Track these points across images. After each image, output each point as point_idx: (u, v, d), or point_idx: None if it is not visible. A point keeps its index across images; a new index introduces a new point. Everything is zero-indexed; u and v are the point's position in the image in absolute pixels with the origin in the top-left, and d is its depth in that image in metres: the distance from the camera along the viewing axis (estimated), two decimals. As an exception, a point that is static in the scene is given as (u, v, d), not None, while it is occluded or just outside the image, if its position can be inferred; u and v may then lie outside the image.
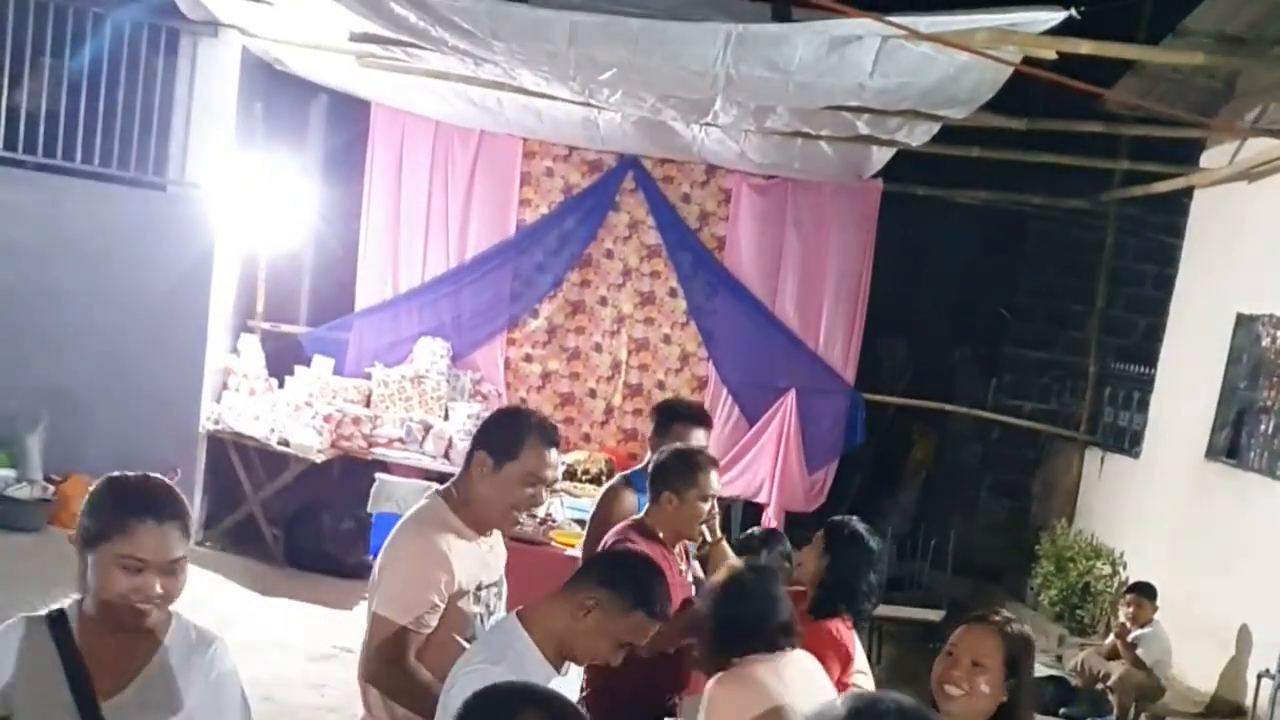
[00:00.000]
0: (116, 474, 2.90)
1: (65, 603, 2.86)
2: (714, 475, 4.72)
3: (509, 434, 3.71)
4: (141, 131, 9.54)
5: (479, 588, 3.71)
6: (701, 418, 5.48)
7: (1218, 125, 9.59)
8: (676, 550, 4.82)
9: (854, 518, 4.93)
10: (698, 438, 5.26)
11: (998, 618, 3.48)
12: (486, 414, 10.49)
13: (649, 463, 5.23)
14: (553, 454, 3.71)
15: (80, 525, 2.82)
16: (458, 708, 2.05)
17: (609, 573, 3.40)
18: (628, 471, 5.66)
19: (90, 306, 9.29)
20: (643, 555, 3.71)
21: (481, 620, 3.71)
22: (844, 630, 4.46)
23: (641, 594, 3.35)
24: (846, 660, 4.37)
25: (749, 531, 5.89)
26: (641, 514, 4.81)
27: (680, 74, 8.02)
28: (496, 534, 3.87)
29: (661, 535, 4.65)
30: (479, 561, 3.74)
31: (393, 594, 3.58)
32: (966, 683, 3.33)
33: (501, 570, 3.90)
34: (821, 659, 4.06)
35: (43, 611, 2.84)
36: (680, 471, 4.66)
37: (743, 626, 3.81)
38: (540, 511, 7.48)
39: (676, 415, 5.43)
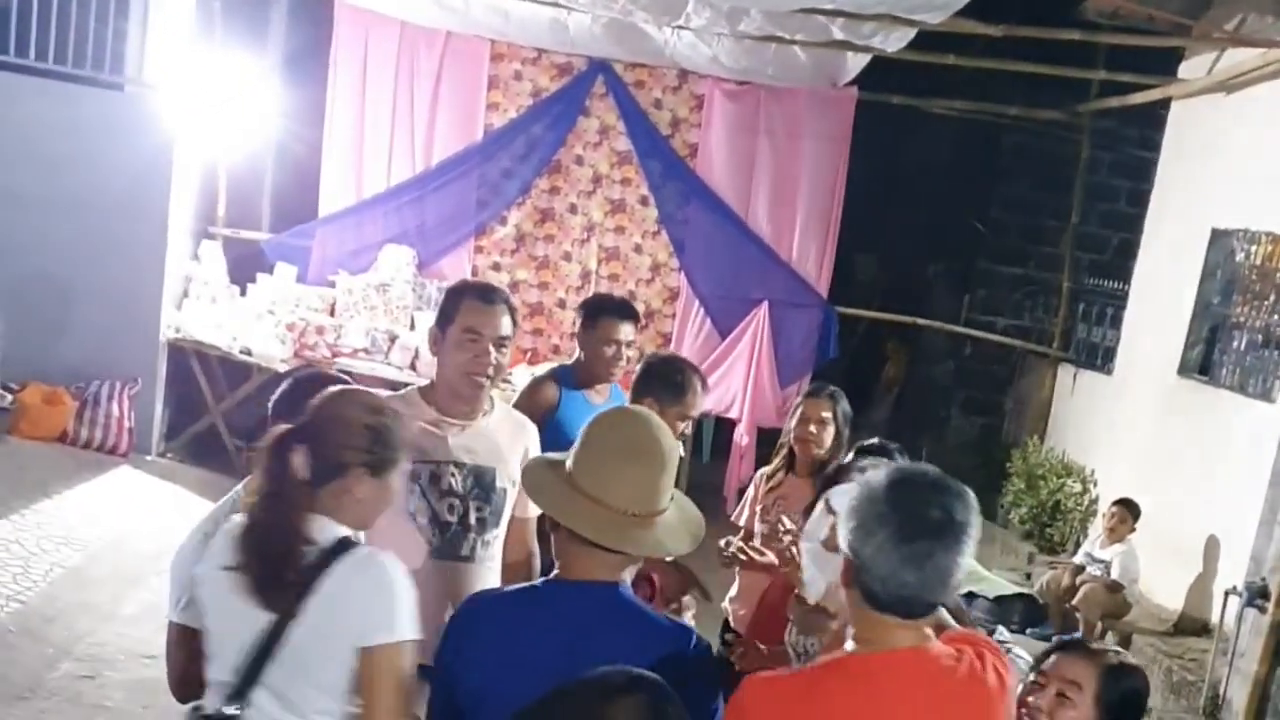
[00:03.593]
0: None
1: None
2: (701, 397, 4.67)
3: (447, 301, 3.90)
4: (98, 29, 9.29)
5: (420, 462, 3.75)
6: (627, 311, 5.34)
7: (1197, 32, 9.46)
8: None
9: None
10: (625, 331, 5.17)
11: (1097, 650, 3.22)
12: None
13: (577, 359, 5.29)
14: (492, 309, 3.84)
15: None
16: None
17: (286, 410, 3.26)
18: (554, 366, 5.65)
19: (47, 210, 9.07)
20: (304, 375, 3.57)
21: (444, 498, 3.83)
22: None
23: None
24: None
25: (817, 383, 5.65)
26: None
27: (651, -28, 7.82)
28: (485, 422, 3.94)
29: None
30: (437, 441, 3.81)
31: None
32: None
33: (483, 453, 3.91)
34: None
35: None
36: (667, 383, 4.61)
37: None
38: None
39: (603, 310, 5.30)
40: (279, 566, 2.75)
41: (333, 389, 3.03)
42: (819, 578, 3.33)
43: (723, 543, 4.86)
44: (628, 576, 2.69)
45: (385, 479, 2.91)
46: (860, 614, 2.53)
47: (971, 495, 2.54)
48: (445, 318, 3.84)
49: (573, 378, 5.18)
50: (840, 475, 3.91)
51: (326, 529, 2.81)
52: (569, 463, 2.75)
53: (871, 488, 2.52)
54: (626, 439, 2.72)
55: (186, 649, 3.05)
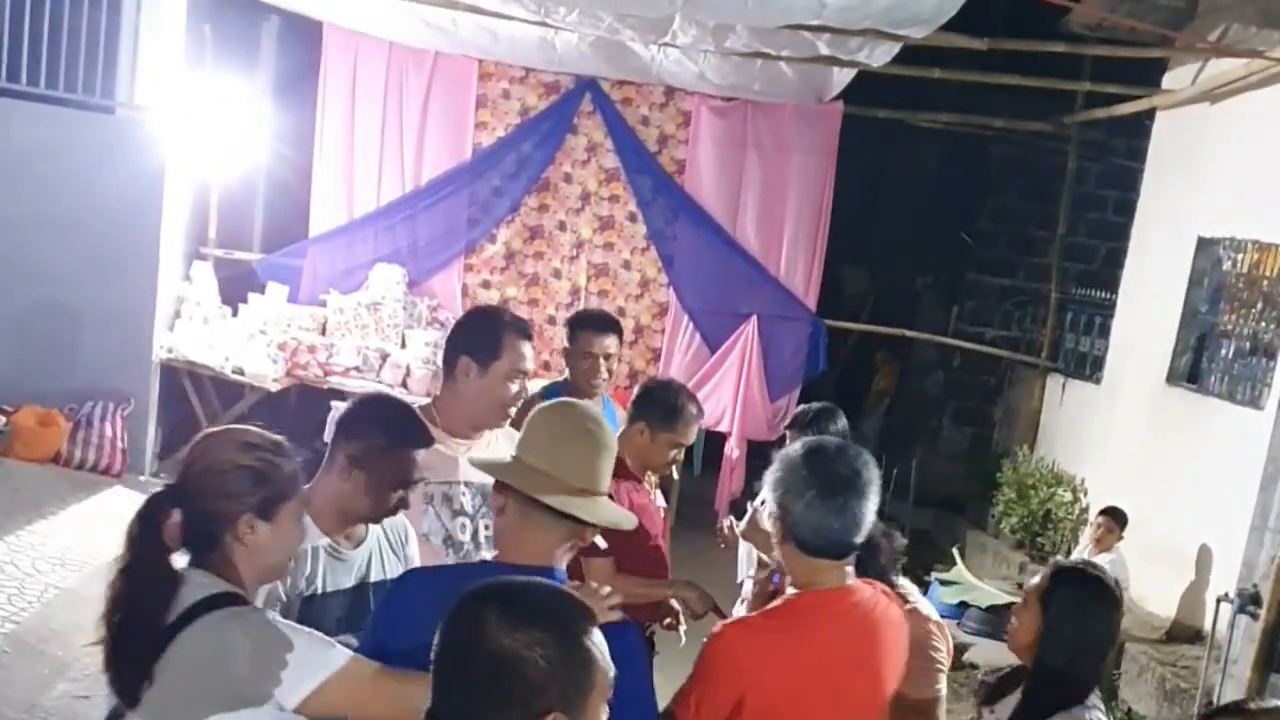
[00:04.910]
0: None
1: None
2: (694, 429, 4.70)
3: (488, 335, 3.88)
4: (89, 53, 9.29)
5: (426, 483, 3.73)
6: (606, 324, 5.43)
7: (1181, 43, 9.52)
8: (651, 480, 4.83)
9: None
10: (604, 344, 5.25)
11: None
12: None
13: (567, 376, 5.38)
14: (528, 347, 3.90)
15: None
16: None
17: (352, 427, 3.31)
18: (546, 384, 5.69)
19: (39, 233, 9.06)
20: (371, 396, 3.63)
21: (457, 517, 3.86)
22: None
23: (393, 431, 3.31)
24: None
25: (804, 406, 5.76)
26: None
27: (637, -9, 7.86)
28: (488, 439, 3.96)
29: (629, 462, 4.54)
30: (447, 461, 3.82)
31: None
32: None
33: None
34: None
35: None
36: (663, 411, 4.63)
37: None
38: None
39: (583, 323, 5.41)
40: (130, 648, 2.53)
41: (206, 433, 2.81)
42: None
43: (723, 524, 4.98)
44: (562, 564, 2.75)
45: (278, 519, 2.69)
46: (797, 562, 3.06)
47: (869, 455, 3.09)
48: (487, 353, 3.83)
49: (563, 394, 5.20)
50: None
51: (196, 590, 2.56)
52: (517, 449, 2.84)
53: (790, 459, 3.06)
54: (568, 421, 2.83)
55: None
